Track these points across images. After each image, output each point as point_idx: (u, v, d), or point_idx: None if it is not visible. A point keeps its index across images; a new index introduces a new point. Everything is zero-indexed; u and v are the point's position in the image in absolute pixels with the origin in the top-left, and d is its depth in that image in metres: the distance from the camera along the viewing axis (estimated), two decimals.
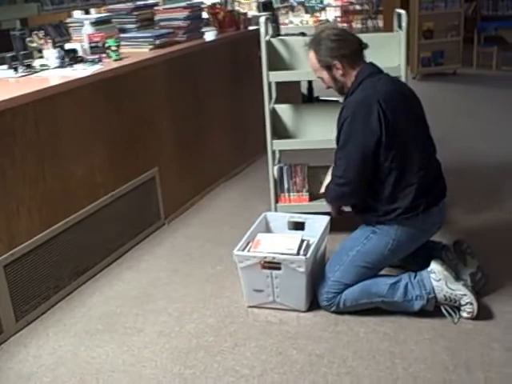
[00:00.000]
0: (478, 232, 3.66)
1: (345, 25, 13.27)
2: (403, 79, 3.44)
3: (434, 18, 8.12)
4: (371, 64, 2.92)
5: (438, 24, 8.15)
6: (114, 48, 3.60)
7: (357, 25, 13.26)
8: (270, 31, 3.74)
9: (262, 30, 3.47)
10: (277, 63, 3.62)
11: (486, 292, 2.98)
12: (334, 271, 2.91)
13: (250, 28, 5.00)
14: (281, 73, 3.55)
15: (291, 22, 10.26)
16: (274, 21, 5.84)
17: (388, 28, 8.99)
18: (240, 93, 4.79)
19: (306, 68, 3.20)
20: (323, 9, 13.85)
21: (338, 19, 13.36)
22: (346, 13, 13.57)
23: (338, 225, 3.26)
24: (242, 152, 4.87)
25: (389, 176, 2.77)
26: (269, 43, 3.56)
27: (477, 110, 6.67)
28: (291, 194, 3.67)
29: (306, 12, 12.65)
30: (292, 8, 13.77)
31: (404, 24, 3.38)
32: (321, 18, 11.74)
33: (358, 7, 13.65)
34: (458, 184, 4.33)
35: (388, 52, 3.51)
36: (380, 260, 2.91)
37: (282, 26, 8.84)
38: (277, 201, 3.69)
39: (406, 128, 2.81)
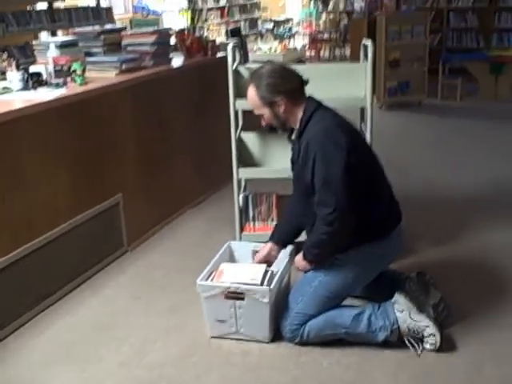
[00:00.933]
0: (441, 263, 3.68)
1: (313, 52, 13.44)
2: (369, 110, 3.48)
3: (400, 48, 8.23)
4: (312, 98, 2.91)
5: (404, 54, 8.25)
6: (79, 72, 3.56)
7: (325, 53, 13.41)
8: (238, 58, 3.74)
9: (230, 58, 3.48)
10: (244, 91, 3.61)
11: (449, 323, 2.98)
12: (296, 302, 2.89)
13: (218, 54, 5.00)
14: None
15: (260, 49, 10.30)
16: (241, 47, 5.86)
17: (355, 57, 9.11)
18: (207, 120, 4.77)
19: None
20: (292, 36, 14.00)
21: (307, 47, 13.50)
22: (314, 41, 13.71)
23: None
24: (208, 179, 4.83)
25: (357, 204, 2.74)
26: (236, 71, 3.56)
27: (441, 140, 6.75)
28: (256, 222, 3.65)
29: (275, 39, 12.76)
30: (261, 35, 13.89)
31: (370, 55, 3.41)
32: (289, 46, 11.84)
33: (326, 36, 13.80)
34: (422, 215, 4.37)
35: (354, 82, 3.54)
36: (343, 289, 2.90)
37: (250, 53, 8.90)
38: (242, 230, 3.66)
39: (366, 153, 2.89)
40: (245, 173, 3.62)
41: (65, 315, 3.24)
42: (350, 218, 2.73)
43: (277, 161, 3.71)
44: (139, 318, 3.20)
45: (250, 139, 3.77)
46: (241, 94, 3.56)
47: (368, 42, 3.50)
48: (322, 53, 13.55)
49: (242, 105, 3.53)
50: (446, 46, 10.39)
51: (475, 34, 10.34)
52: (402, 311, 2.83)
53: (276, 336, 2.94)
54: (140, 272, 3.73)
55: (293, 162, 3.02)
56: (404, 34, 8.24)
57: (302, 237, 3.09)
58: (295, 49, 12.09)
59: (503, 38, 10.16)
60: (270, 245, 3.13)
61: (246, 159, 3.75)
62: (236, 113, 3.58)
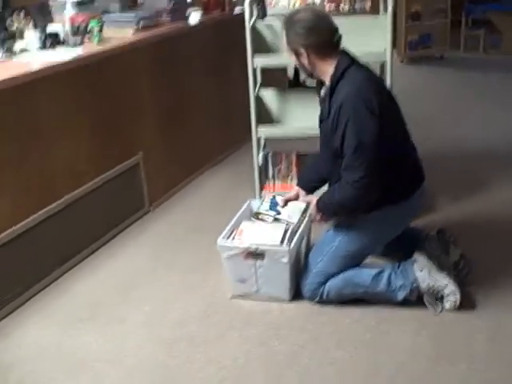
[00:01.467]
0: (462, 220, 3.66)
1: (332, 5, 13.16)
2: (388, 65, 3.43)
3: (422, 1, 8.04)
4: (345, 52, 2.82)
5: (426, 7, 8.07)
6: (96, 30, 3.52)
7: (345, 6, 13.16)
8: (255, 13, 3.68)
9: (247, 14, 3.42)
10: (262, 47, 3.58)
11: (469, 281, 2.97)
12: (316, 262, 2.90)
13: (236, 10, 4.92)
14: (266, 58, 3.50)
15: (278, 3, 10.14)
16: (259, 2, 5.75)
17: (375, 10, 8.91)
18: (225, 77, 4.73)
19: None
20: None
21: (326, 0, 13.23)
22: None
23: None
24: (228, 137, 4.82)
25: (387, 164, 2.70)
26: (253, 27, 3.51)
27: (463, 95, 6.63)
28: (276, 181, 3.64)
29: None
30: None
31: (390, 7, 3.33)
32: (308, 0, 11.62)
33: None
34: (442, 171, 4.33)
35: (373, 36, 3.48)
36: (363, 249, 2.91)
37: (268, 7, 8.74)
38: (262, 188, 3.66)
39: (397, 114, 2.84)
40: (264, 131, 3.60)
41: (86, 277, 3.29)
42: (377, 185, 2.69)
43: (296, 119, 3.68)
44: (160, 278, 3.23)
45: (269, 96, 3.74)
46: (259, 50, 3.52)
47: None
48: (341, 6, 13.30)
49: (260, 62, 3.49)
50: None
51: None
52: (422, 270, 2.82)
53: (296, 295, 2.96)
54: (161, 232, 3.76)
55: (321, 120, 2.93)
56: None
57: None
58: (314, 3, 11.89)
59: None
60: (297, 188, 3.15)
61: (265, 117, 3.72)
62: (254, 70, 3.53)
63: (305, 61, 2.78)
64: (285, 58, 3.54)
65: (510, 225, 3.59)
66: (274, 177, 3.64)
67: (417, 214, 3.01)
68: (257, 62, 3.49)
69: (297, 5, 10.02)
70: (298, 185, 3.18)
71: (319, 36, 2.73)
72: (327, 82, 2.79)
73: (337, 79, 2.73)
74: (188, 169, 4.43)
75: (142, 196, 3.89)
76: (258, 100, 3.67)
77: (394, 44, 8.31)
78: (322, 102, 2.92)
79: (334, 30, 2.77)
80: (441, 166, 4.44)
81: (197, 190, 4.34)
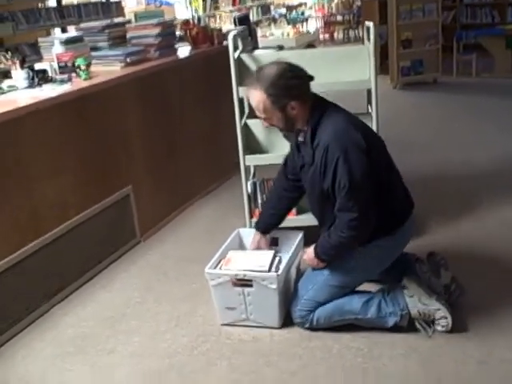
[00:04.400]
0: (454, 242, 3.65)
1: (327, 35, 13.34)
2: (373, 92, 3.44)
3: (413, 28, 8.14)
4: (318, 96, 2.78)
5: (417, 33, 8.17)
6: (83, 67, 3.57)
7: (339, 35, 13.33)
8: (241, 46, 3.73)
9: (230, 47, 3.46)
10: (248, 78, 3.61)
11: (460, 304, 2.95)
12: (307, 289, 2.89)
13: (225, 43, 4.99)
14: None
15: (272, 35, 10.27)
16: (250, 35, 5.82)
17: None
18: (214, 109, 4.77)
19: None
20: (305, 20, 13.92)
21: (320, 30, 13.42)
22: (327, 24, 13.64)
23: (312, 238, 3.22)
24: (217, 169, 4.85)
25: (378, 197, 2.69)
26: (239, 59, 3.55)
27: (457, 118, 6.68)
28: None
29: (288, 24, 12.69)
30: (274, 20, 13.82)
31: (372, 36, 3.37)
32: (301, 29, 11.78)
33: (339, 18, 13.71)
34: (435, 195, 4.34)
35: (358, 65, 3.50)
36: (355, 280, 2.90)
37: (262, 39, 8.85)
38: (251, 216, 3.66)
39: (379, 146, 2.81)
40: (251, 160, 3.61)
41: (76, 309, 3.28)
42: (372, 220, 2.69)
43: (284, 146, 3.69)
44: (150, 309, 3.22)
45: (257, 126, 3.76)
46: (245, 81, 3.55)
47: (370, 24, 3.46)
48: (335, 35, 13.46)
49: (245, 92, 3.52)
50: (460, 22, 10.26)
51: (490, 9, 10.19)
52: (412, 296, 2.81)
53: (286, 321, 2.95)
54: (151, 262, 3.76)
55: (303, 165, 2.85)
56: (415, 12, 8.15)
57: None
58: (308, 32, 12.04)
59: None
60: (257, 236, 3.13)
61: (253, 146, 3.75)
62: (241, 100, 3.56)
63: (292, 112, 2.67)
64: None
65: (501, 247, 3.57)
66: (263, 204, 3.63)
67: (408, 241, 2.98)
68: (242, 93, 3.51)
69: (290, 35, 10.11)
70: (258, 229, 3.15)
71: (303, 81, 2.69)
72: (304, 127, 2.74)
73: (316, 122, 2.69)
74: (178, 200, 4.45)
75: (133, 227, 3.90)
76: (246, 129, 3.70)
77: (384, 70, 8.46)
78: (297, 147, 2.88)
79: (307, 73, 2.72)
80: (434, 188, 4.47)
81: (187, 221, 4.35)
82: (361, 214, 2.62)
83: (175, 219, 4.37)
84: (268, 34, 10.25)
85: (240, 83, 3.48)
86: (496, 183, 4.57)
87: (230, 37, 3.49)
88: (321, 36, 13.01)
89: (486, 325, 2.84)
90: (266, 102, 2.64)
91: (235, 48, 3.55)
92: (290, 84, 2.62)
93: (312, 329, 2.88)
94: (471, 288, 3.06)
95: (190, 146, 4.56)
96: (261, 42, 7.82)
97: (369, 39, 3.51)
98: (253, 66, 3.61)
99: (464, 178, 4.71)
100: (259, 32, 10.79)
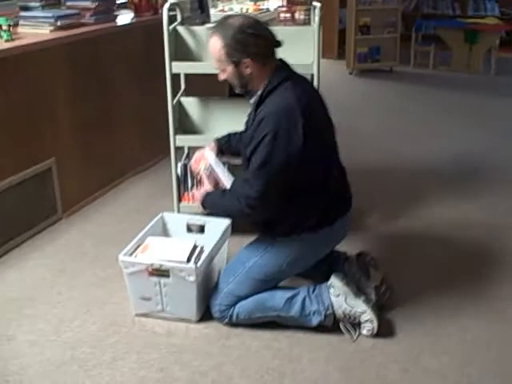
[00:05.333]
0: (390, 239, 3.53)
1: (287, 15, 13.06)
2: (315, 77, 3.25)
3: (372, 14, 7.98)
4: (284, 63, 2.62)
5: (376, 20, 8.01)
6: (4, 27, 3.27)
7: (300, 16, 13.07)
8: (179, 18, 3.50)
9: (165, 18, 3.19)
10: (185, 54, 3.38)
11: (390, 306, 2.84)
12: (227, 282, 2.71)
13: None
14: (185, 64, 3.28)
15: (231, 9, 9.96)
16: (200, 7, 5.56)
17: (329, 22, 8.85)
18: (153, 83, 4.46)
19: None
20: None
21: (281, 9, 13.12)
22: (289, 3, 13.37)
23: (243, 226, 3.04)
24: (153, 146, 4.58)
25: (303, 191, 2.53)
26: (175, 31, 3.30)
27: (410, 109, 6.57)
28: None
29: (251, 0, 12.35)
30: None
31: (317, 17, 3.17)
32: (262, 7, 11.47)
33: None
34: (378, 187, 4.21)
35: (302, 48, 3.30)
36: (278, 273, 2.71)
37: (219, 13, 8.54)
38: (180, 200, 3.45)
39: (325, 138, 2.61)
40: (183, 140, 3.38)
41: None
42: (269, 211, 2.55)
43: (220, 128, 3.47)
44: (61, 293, 2.99)
45: (193, 105, 3.54)
46: (181, 56, 3.32)
47: (317, 4, 3.26)
48: (297, 15, 13.20)
49: (182, 68, 3.29)
50: (421, 12, 10.13)
51: (451, 0, 10.09)
52: (338, 295, 2.66)
53: (205, 315, 2.76)
54: (70, 242, 3.51)
55: (246, 128, 2.75)
56: None
57: None
58: (268, 10, 11.72)
59: (480, 6, 9.92)
60: (213, 144, 2.96)
61: (188, 126, 3.52)
62: (176, 76, 3.32)
63: (246, 71, 2.51)
64: (207, 67, 3.36)
65: (437, 247, 3.46)
66: (193, 188, 3.42)
67: (339, 241, 2.82)
68: (178, 68, 3.28)
69: (250, 11, 9.84)
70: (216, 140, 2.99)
71: (265, 42, 2.51)
72: (260, 90, 2.57)
73: (269, 90, 2.52)
74: (109, 176, 4.19)
75: (54, 203, 3.64)
76: (180, 108, 3.48)
77: (344, 56, 8.30)
78: (251, 109, 2.72)
79: (274, 35, 2.55)
80: (377, 181, 4.33)
81: (116, 199, 4.11)
82: (260, 198, 2.47)
83: (103, 196, 4.13)
84: (227, 9, 9.94)
85: (175, 57, 3.24)
86: (442, 179, 4.46)
87: (165, 8, 3.23)
88: (282, 15, 12.73)
89: (415, 329, 2.72)
90: (221, 52, 2.50)
91: (172, 20, 3.29)
92: (250, 40, 2.46)
93: (232, 325, 2.71)
94: (404, 289, 2.95)
95: (126, 120, 4.30)
96: (216, 16, 7.57)
97: (314, 20, 3.31)
98: (190, 40, 3.39)
99: (410, 172, 4.59)
100: (219, 6, 10.48)
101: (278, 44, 2.56)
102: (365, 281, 2.83)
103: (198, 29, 3.43)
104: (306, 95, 2.53)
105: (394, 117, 6.25)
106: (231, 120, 3.43)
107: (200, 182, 2.89)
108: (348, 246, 3.02)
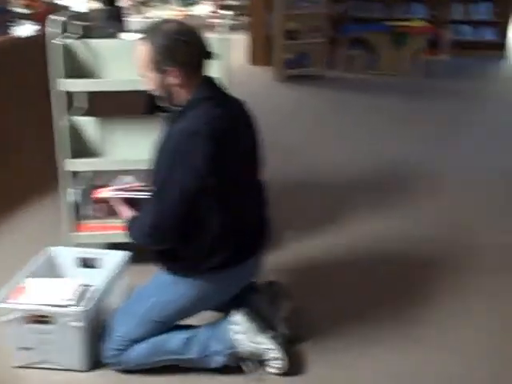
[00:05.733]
0: (307, 262, 3.31)
1: (216, 21, 12.85)
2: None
3: (299, 18, 7.82)
4: (210, 80, 2.34)
5: (303, 25, 7.87)
6: None
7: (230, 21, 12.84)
8: (73, 30, 3.19)
9: (50, 31, 2.87)
10: (79, 70, 3.08)
11: (300, 338, 2.63)
12: (121, 323, 2.43)
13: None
14: (75, 81, 2.97)
15: (157, 16, 9.71)
16: (113, 17, 5.30)
17: (256, 28, 8.69)
18: (47, 102, 4.13)
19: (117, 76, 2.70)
20: (196, 3, 13.32)
21: (212, 14, 12.90)
22: (221, 8, 13.16)
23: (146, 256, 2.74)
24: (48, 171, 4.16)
25: (207, 226, 2.27)
26: (65, 47, 2.99)
27: (337, 116, 6.43)
28: (93, 221, 3.15)
29: (180, 5, 12.09)
30: (166, 1, 13.18)
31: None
32: (192, 13, 11.23)
33: (233, 3, 13.27)
34: (298, 204, 3.99)
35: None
36: (178, 315, 2.45)
37: (142, 20, 8.29)
38: (73, 230, 3.12)
39: (239, 170, 2.33)
40: (73, 164, 3.05)
41: None
42: (167, 243, 2.31)
43: (119, 150, 3.20)
44: None
45: (90, 125, 3.23)
46: (75, 73, 3.02)
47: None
48: (226, 21, 12.97)
49: (69, 86, 2.97)
50: (350, 15, 10.03)
51: (379, 4, 10.03)
52: (241, 333, 2.43)
53: (97, 362, 2.47)
54: None
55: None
56: (303, 2, 7.83)
57: None
58: (199, 16, 11.49)
59: (407, 8, 9.90)
60: None
61: (83, 148, 3.20)
62: (66, 94, 3.01)
63: (172, 81, 2.23)
64: (103, 84, 3.07)
65: (358, 269, 3.26)
66: (90, 216, 3.14)
67: (251, 280, 2.59)
68: (65, 86, 2.94)
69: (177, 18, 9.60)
70: None
71: (197, 52, 2.25)
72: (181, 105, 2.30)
73: (187, 107, 2.26)
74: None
75: None
76: (75, 129, 3.16)
77: (268, 62, 8.13)
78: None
79: (207, 46, 2.29)
80: (297, 194, 4.14)
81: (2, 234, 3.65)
82: (155, 227, 2.23)
83: None
84: (152, 16, 9.68)
85: (67, 74, 2.93)
86: (364, 193, 4.29)
87: (51, 20, 2.91)
88: (212, 21, 12.51)
89: (329, 363, 2.52)
90: (146, 58, 2.22)
91: (64, 31, 2.97)
92: (180, 48, 2.20)
93: (126, 371, 2.43)
94: (319, 318, 2.78)
95: (24, 142, 3.94)
96: (140, 24, 7.29)
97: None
98: (85, 55, 3.09)
99: (333, 186, 4.41)
100: (145, 12, 10.19)
101: (209, 56, 2.30)
102: (274, 313, 2.61)
103: (94, 42, 3.12)
104: (224, 120, 2.25)
105: (318, 126, 6.08)
106: (131, 140, 3.16)
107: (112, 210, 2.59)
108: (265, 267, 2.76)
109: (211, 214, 2.26)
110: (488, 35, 9.88)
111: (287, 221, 3.66)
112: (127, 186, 2.49)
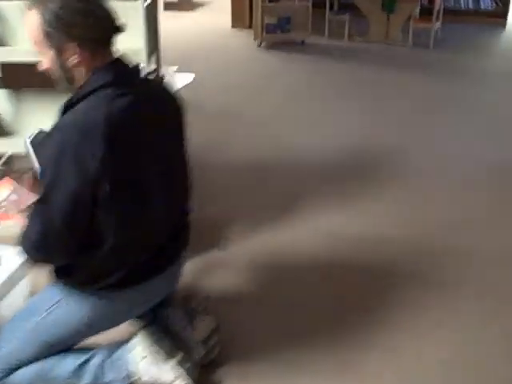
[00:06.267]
0: (242, 266, 2.93)
1: None
2: (145, 67, 2.59)
3: None
4: (120, 61, 1.92)
5: None
6: None
7: None
8: None
9: None
10: None
11: (220, 362, 2.28)
12: (8, 341, 2.06)
13: None
14: None
15: None
16: None
17: None
18: None
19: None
20: None
21: None
22: None
23: None
24: None
25: (101, 238, 1.89)
26: None
27: (317, 87, 5.99)
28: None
29: None
30: None
31: None
32: None
33: None
34: (240, 190, 3.60)
35: (131, 29, 2.62)
36: (72, 336, 2.08)
37: None
38: None
39: (146, 178, 1.92)
40: None
41: None
42: (62, 253, 1.90)
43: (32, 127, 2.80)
44: None
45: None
46: None
47: None
48: None
49: None
50: None
51: None
52: (144, 358, 2.08)
53: None
54: None
55: None
56: None
57: None
58: None
59: None
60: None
61: None
62: None
63: (72, 61, 1.82)
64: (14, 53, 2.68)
65: (302, 276, 2.89)
66: None
67: (163, 296, 2.21)
68: None
69: None
70: None
71: (104, 24, 1.84)
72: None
73: (83, 94, 1.84)
74: None
75: None
76: None
77: (250, 26, 7.65)
78: None
79: (114, 19, 1.86)
80: (256, 184, 3.73)
81: None
82: (44, 234, 1.81)
83: None
84: None
85: None
86: (328, 182, 3.86)
87: None
88: None
89: None
90: (38, 31, 1.79)
91: None
92: (78, 19, 1.77)
93: None
94: (246, 338, 2.43)
95: None
96: None
97: None
98: None
99: (295, 172, 3.98)
100: None
101: (118, 29, 1.88)
102: (189, 332, 2.25)
103: (5, 3, 2.72)
104: (129, 113, 1.83)
105: (294, 98, 5.61)
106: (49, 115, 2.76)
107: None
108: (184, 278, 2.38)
109: (106, 226, 1.87)
110: (486, 3, 9.33)
111: (223, 212, 3.28)
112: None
